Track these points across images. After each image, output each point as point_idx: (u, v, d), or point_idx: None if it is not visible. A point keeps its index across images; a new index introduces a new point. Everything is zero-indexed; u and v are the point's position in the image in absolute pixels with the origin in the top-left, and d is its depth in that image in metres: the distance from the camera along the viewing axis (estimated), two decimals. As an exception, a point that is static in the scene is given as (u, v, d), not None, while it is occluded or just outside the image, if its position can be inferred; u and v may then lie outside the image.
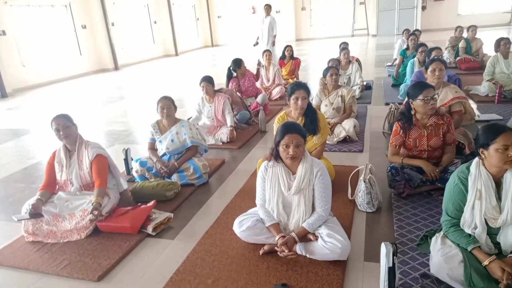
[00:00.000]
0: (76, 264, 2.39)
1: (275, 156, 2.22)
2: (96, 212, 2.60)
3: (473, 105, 5.07)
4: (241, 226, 2.30)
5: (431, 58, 4.05)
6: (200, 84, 4.55)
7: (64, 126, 2.76)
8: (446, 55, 8.11)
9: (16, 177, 4.19)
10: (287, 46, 7.36)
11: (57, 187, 2.90)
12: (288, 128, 2.14)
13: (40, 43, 11.43)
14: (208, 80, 4.50)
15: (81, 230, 2.65)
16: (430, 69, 3.45)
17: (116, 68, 13.43)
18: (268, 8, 8.36)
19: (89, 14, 12.69)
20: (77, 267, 2.36)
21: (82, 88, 10.54)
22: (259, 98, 5.54)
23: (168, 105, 3.44)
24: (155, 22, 16.44)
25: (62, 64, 11.98)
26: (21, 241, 2.71)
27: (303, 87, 2.94)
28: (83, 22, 12.60)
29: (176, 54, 17.05)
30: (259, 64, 6.60)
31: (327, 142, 4.09)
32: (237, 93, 5.30)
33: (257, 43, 8.74)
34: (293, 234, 2.16)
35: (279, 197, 2.24)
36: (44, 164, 3.54)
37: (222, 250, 2.38)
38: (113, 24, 13.34)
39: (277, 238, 2.16)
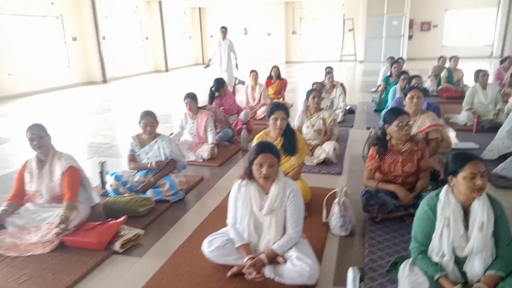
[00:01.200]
0: (36, 280, 2.30)
1: (249, 175, 2.20)
2: (62, 226, 2.52)
3: (452, 133, 5.17)
4: (210, 246, 2.25)
5: (410, 85, 4.14)
6: (184, 100, 4.56)
7: (38, 136, 2.71)
8: (429, 84, 8.32)
9: (-13, 186, 4.06)
10: (274, 66, 7.49)
11: (26, 198, 2.81)
12: (262, 148, 2.14)
13: (29, 52, 11.36)
14: (192, 97, 4.52)
15: (46, 244, 2.55)
16: (408, 96, 3.52)
17: (105, 81, 13.38)
18: (225, 30, 8.27)
19: (81, 26, 12.71)
20: (37, 283, 2.27)
21: (69, 99, 10.43)
22: (241, 115, 5.57)
23: (151, 122, 3.46)
24: (147, 38, 16.56)
25: (50, 75, 11.88)
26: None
27: (282, 108, 2.98)
28: (74, 34, 12.60)
29: (167, 70, 17.12)
30: (236, 82, 6.65)
31: (307, 163, 4.10)
32: (221, 111, 5.31)
33: (208, 65, 8.62)
34: (262, 256, 2.12)
35: (251, 217, 2.21)
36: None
37: (190, 270, 2.32)
38: (104, 38, 13.36)
39: (245, 259, 2.12)
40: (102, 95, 10.95)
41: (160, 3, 16.36)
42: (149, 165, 3.43)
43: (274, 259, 2.15)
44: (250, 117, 5.87)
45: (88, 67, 13.14)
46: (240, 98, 7.01)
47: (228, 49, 8.26)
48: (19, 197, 2.79)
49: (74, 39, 12.65)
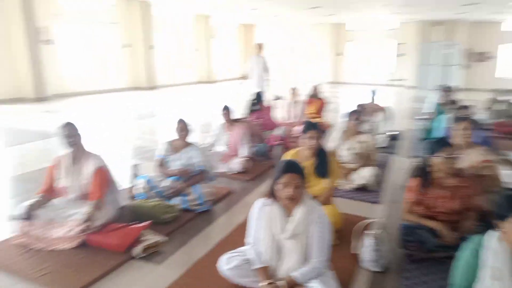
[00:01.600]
0: (56, 274, 2.31)
1: (272, 194, 2.08)
2: (87, 224, 2.54)
3: (508, 172, 4.73)
4: (227, 264, 2.15)
5: (460, 116, 3.85)
6: (221, 111, 4.57)
7: (73, 134, 2.78)
8: (482, 116, 7.78)
9: (30, 177, 4.24)
10: (314, 85, 7.36)
11: (55, 193, 2.87)
12: (288, 167, 2.01)
13: (84, 55, 12.16)
14: (228, 109, 4.53)
15: (70, 240, 2.57)
16: (458, 127, 3.25)
17: (152, 87, 13.89)
18: (260, 47, 7.90)
19: (134, 34, 13.38)
20: (56, 278, 2.28)
21: (117, 102, 10.92)
22: (278, 131, 5.47)
23: (184, 128, 3.50)
24: (197, 50, 17.08)
25: (101, 78, 12.61)
26: (11, 240, 2.66)
27: (316, 127, 2.86)
28: (127, 41, 13.28)
29: (212, 82, 17.50)
30: (275, 98, 6.54)
31: (342, 188, 3.91)
32: (258, 125, 5.25)
33: (242, 81, 8.43)
34: (282, 282, 1.97)
35: (272, 240, 2.07)
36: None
37: (206, 286, 2.21)
38: (154, 46, 13.94)
39: (263, 283, 1.98)
40: (148, 101, 11.35)
41: (209, 18, 16.88)
42: (174, 171, 3.41)
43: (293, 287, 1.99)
44: (286, 134, 5.76)
45: (137, 73, 13.73)
46: (278, 114, 6.92)
47: (262, 65, 7.99)
48: (49, 191, 2.84)
49: (127, 45, 13.32)
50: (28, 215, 2.64)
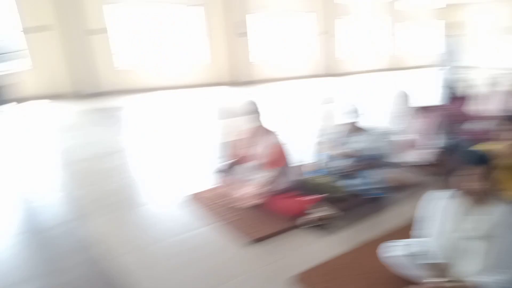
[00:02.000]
0: (243, 222, 2.81)
1: (453, 187, 1.85)
2: (267, 187, 2.96)
3: None
4: (390, 252, 2.06)
5: None
6: (399, 99, 4.36)
7: (254, 111, 3.21)
8: None
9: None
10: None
11: (240, 160, 3.37)
12: (476, 158, 1.76)
13: (274, 44, 13.27)
14: (406, 96, 4.29)
15: (252, 198, 3.02)
16: None
17: (339, 74, 14.10)
18: (453, 26, 6.46)
19: (327, 22, 13.81)
20: (244, 226, 2.75)
21: (304, 88, 11.65)
22: (475, 125, 4.71)
23: (356, 112, 3.52)
24: (393, 34, 16.24)
25: (293, 65, 13.60)
26: (214, 190, 3.36)
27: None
28: (322, 28, 13.81)
29: (404, 68, 16.32)
30: (475, 87, 5.52)
31: None
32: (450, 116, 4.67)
33: (442, 67, 7.01)
34: (465, 285, 1.73)
35: (448, 237, 1.85)
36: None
37: (364, 271, 2.20)
38: (335, 34, 14.11)
39: (439, 280, 1.78)
40: (333, 87, 11.64)
41: (396, 1, 15.62)
42: (345, 153, 3.45)
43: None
44: (485, 128, 4.89)
45: (323, 61, 14.22)
46: (478, 106, 5.91)
47: (457, 48, 6.80)
48: (237, 158, 3.37)
49: (323, 33, 13.87)
50: (227, 171, 3.30)
